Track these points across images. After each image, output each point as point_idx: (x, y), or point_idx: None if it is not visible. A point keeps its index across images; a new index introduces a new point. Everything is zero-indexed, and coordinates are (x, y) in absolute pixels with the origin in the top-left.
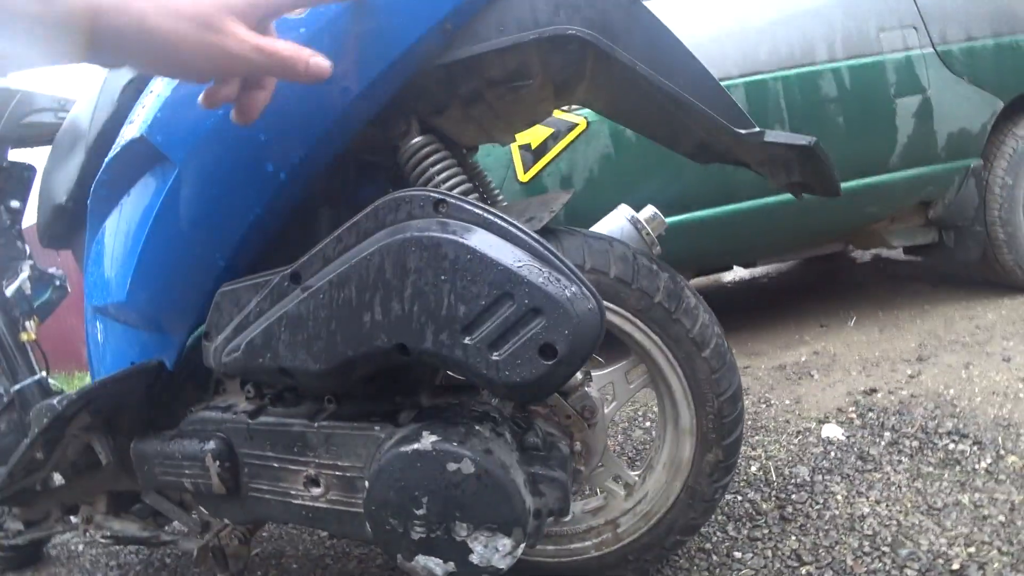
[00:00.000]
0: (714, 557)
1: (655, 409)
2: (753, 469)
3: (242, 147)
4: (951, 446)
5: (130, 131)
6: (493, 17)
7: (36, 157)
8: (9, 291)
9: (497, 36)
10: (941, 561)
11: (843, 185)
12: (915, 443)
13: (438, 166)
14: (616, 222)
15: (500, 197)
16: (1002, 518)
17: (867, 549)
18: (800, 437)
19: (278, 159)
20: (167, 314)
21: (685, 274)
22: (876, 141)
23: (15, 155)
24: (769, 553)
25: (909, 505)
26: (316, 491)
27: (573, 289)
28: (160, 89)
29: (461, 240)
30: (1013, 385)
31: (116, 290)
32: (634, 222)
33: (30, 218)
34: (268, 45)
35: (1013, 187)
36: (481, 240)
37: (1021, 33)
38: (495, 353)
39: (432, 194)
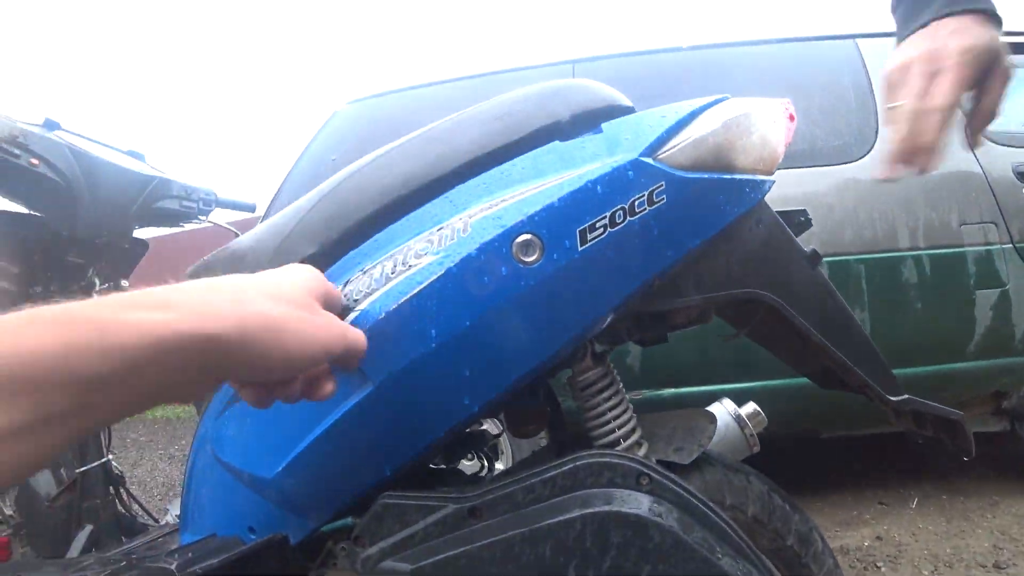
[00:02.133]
0: None
1: None
2: None
3: (445, 381)
4: None
5: None
6: (693, 274)
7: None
8: None
9: (695, 293)
10: None
11: (918, 371)
12: None
13: (610, 402)
14: (720, 417)
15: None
16: None
17: None
18: None
19: (477, 393)
20: (311, 503)
21: None
22: (954, 329)
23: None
24: None
25: None
26: None
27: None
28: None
29: (666, 524)
30: None
31: (260, 463)
32: (737, 419)
33: None
34: (351, 331)
35: None
36: (683, 523)
37: None
38: None
39: (636, 465)
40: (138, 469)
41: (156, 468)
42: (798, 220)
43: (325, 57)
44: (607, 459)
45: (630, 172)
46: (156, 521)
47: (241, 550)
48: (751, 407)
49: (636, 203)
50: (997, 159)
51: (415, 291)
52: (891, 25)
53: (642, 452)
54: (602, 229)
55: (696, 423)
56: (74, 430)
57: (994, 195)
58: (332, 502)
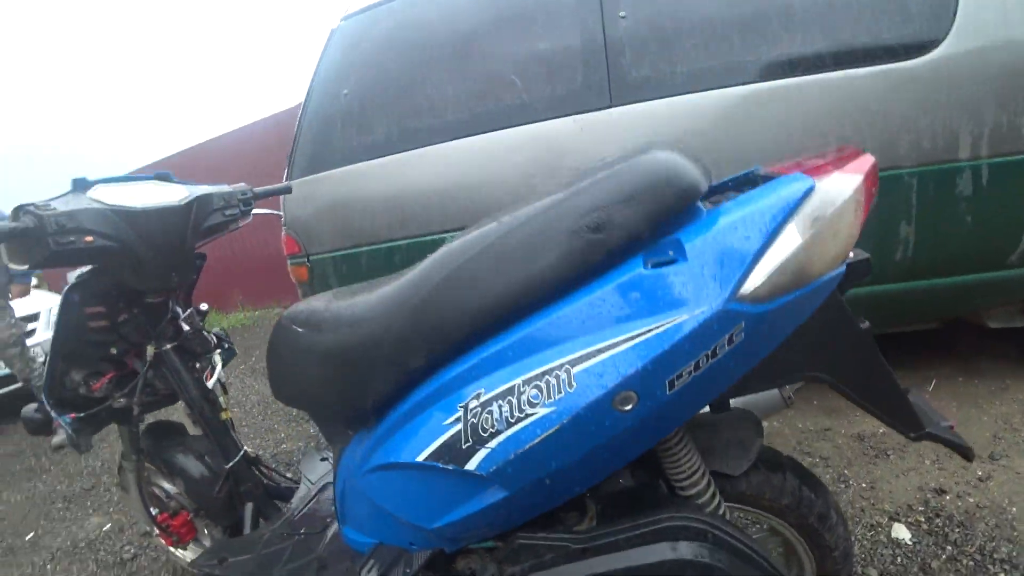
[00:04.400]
0: None
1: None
2: None
3: (560, 488)
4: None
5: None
6: (759, 369)
7: None
8: (211, 383)
9: (760, 386)
10: None
11: (957, 280)
12: (971, 563)
13: (686, 465)
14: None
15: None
16: None
17: None
18: (872, 533)
19: (583, 486)
20: (460, 539)
21: None
22: (1001, 239)
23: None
24: None
25: None
26: None
27: None
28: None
29: (720, 566)
30: None
31: (419, 518)
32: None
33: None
34: None
35: None
36: (731, 563)
37: None
38: None
39: (704, 526)
40: (231, 389)
41: (246, 385)
42: (859, 271)
43: None
44: (684, 523)
45: (715, 325)
46: (295, 482)
47: (418, 558)
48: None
49: (718, 347)
50: None
51: (536, 441)
52: None
53: (705, 484)
54: (687, 375)
55: (745, 434)
56: None
57: None
58: (476, 539)
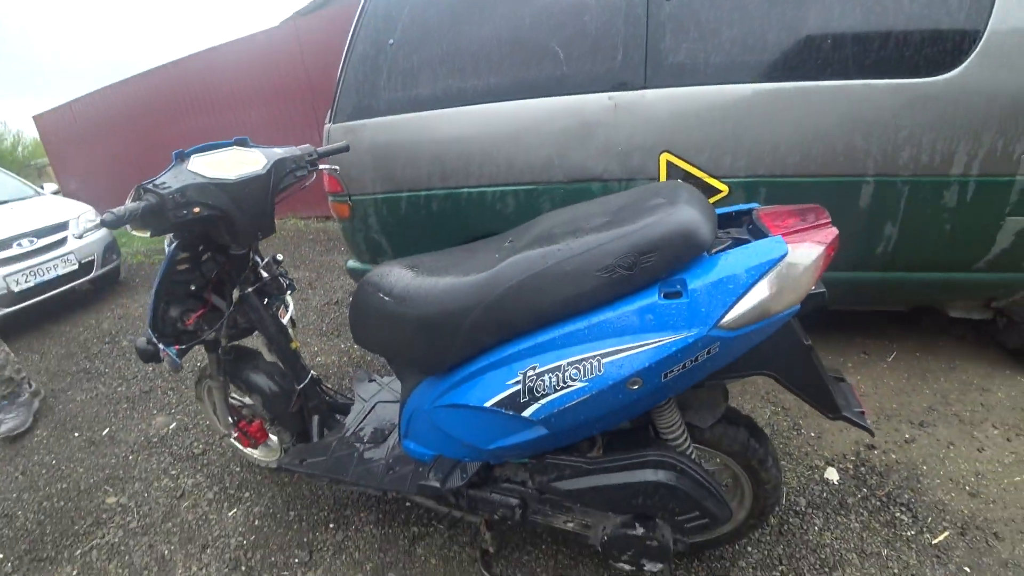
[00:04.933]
0: (736, 545)
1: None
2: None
3: (582, 432)
4: (897, 514)
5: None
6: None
7: None
8: (285, 319)
9: (725, 376)
10: None
11: (927, 276)
12: (878, 503)
13: (667, 416)
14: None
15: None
16: (896, 572)
17: (817, 567)
18: (809, 472)
19: (600, 430)
20: (504, 457)
21: None
22: (972, 248)
23: None
24: (766, 551)
25: (851, 545)
26: None
27: (722, 509)
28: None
29: (683, 487)
30: (968, 479)
31: (476, 439)
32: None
33: None
34: None
35: None
36: (692, 486)
37: None
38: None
39: (674, 460)
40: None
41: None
42: (816, 302)
43: None
44: (662, 458)
45: (700, 344)
46: (350, 400)
47: (470, 468)
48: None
49: (700, 356)
50: None
51: (573, 403)
52: None
53: (681, 431)
54: (677, 371)
55: (714, 399)
56: None
57: None
58: (515, 458)
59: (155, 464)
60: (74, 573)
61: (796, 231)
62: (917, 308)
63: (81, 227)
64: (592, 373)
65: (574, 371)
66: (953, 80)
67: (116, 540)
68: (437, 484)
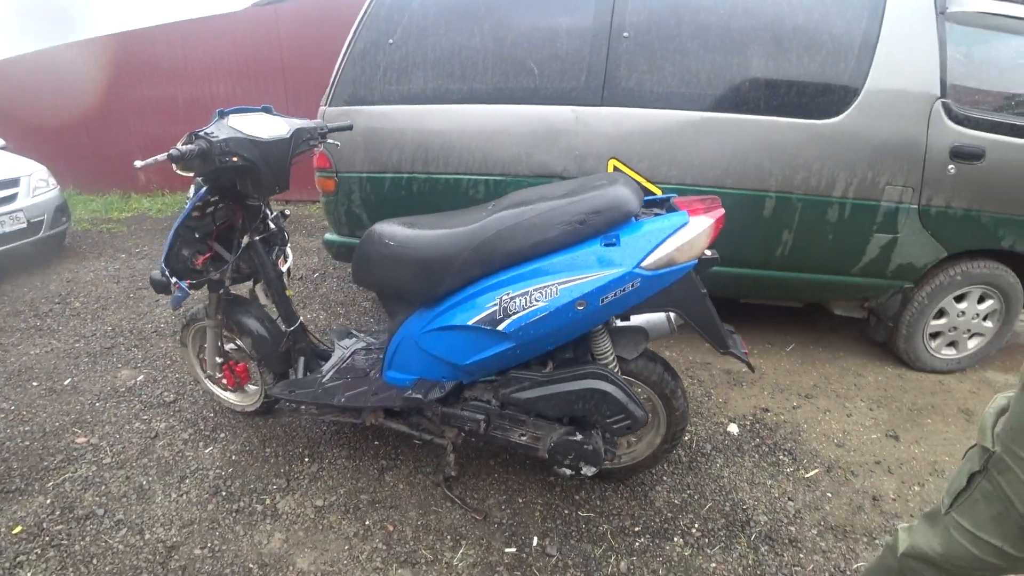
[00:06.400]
0: (652, 473)
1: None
2: (686, 438)
3: (543, 344)
4: (781, 457)
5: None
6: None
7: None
8: (284, 268)
9: (644, 310)
10: (713, 512)
11: (814, 277)
12: (766, 449)
13: (600, 339)
14: (660, 317)
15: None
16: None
17: (716, 491)
18: (716, 427)
19: (555, 343)
20: (478, 374)
21: None
22: (848, 256)
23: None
24: (678, 480)
25: (744, 477)
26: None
27: (641, 412)
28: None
29: (615, 394)
30: (836, 435)
31: (454, 357)
32: (668, 318)
33: None
34: None
35: (927, 306)
36: (613, 389)
37: (980, 208)
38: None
39: (607, 374)
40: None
41: None
42: (710, 262)
43: None
44: (598, 372)
45: (626, 277)
46: (330, 348)
47: (448, 385)
48: (673, 314)
49: (626, 287)
50: (943, 136)
51: (536, 318)
52: None
53: (612, 359)
54: (611, 297)
55: (638, 337)
56: None
57: (924, 167)
58: (488, 373)
59: (125, 410)
60: (48, 502)
61: (696, 210)
62: (810, 306)
63: (33, 183)
64: (551, 296)
65: (538, 295)
66: (838, 124)
67: (90, 474)
68: (420, 396)
